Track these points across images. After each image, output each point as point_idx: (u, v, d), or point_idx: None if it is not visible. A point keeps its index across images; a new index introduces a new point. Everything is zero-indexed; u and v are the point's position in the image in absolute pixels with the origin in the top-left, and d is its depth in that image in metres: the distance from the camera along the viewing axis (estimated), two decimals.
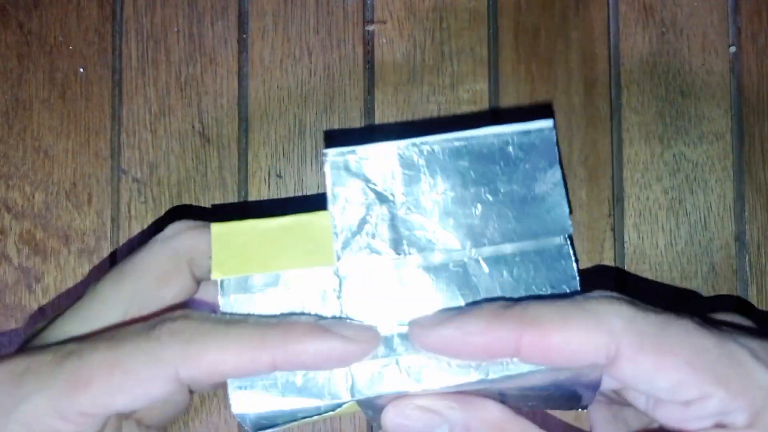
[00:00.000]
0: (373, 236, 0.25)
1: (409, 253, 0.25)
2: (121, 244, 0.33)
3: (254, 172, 0.33)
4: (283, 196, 0.33)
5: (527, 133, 0.25)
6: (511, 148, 0.25)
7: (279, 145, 0.33)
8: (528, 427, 0.23)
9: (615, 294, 0.23)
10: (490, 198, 0.25)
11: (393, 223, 0.25)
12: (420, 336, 0.23)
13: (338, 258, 0.25)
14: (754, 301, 0.34)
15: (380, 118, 0.34)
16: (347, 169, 0.25)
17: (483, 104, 0.34)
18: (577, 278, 0.25)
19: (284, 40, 0.34)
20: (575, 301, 0.22)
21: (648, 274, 0.34)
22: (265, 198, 0.33)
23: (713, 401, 0.21)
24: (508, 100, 0.34)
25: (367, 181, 0.25)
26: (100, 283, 0.26)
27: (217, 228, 0.25)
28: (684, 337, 0.21)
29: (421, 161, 0.25)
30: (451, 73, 0.34)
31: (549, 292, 0.24)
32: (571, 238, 0.25)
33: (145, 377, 0.22)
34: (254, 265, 0.25)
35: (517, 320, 0.22)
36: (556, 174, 0.25)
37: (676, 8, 0.34)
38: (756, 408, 0.21)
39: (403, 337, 0.24)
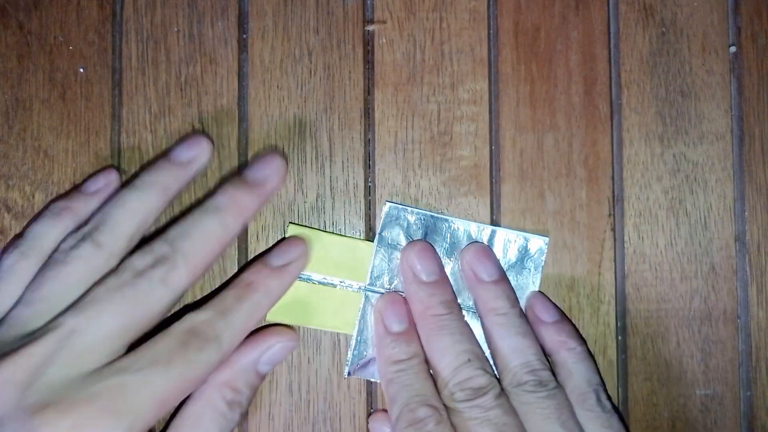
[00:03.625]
0: (397, 273, 0.33)
1: None
2: None
3: None
4: (283, 196, 0.33)
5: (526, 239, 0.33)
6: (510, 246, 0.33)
7: (279, 145, 0.33)
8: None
9: None
10: None
11: None
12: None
13: (369, 277, 0.33)
14: (754, 301, 0.34)
15: (380, 118, 0.34)
16: (397, 219, 0.33)
17: (483, 104, 0.34)
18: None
19: (284, 40, 0.34)
20: None
21: (648, 274, 0.34)
22: None
23: None
24: (508, 100, 0.34)
25: (407, 233, 0.33)
26: None
27: (293, 227, 0.33)
28: None
29: (447, 234, 0.33)
30: (451, 73, 0.34)
31: None
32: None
33: (205, 377, 0.27)
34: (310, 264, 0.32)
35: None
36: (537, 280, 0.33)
37: (676, 8, 0.34)
38: None
39: None
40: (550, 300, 0.33)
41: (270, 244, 0.33)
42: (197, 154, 0.31)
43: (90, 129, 0.33)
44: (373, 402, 0.33)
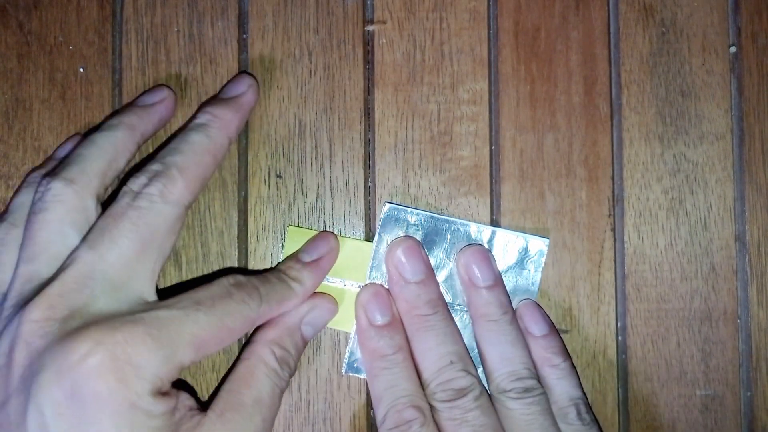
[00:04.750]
0: None
1: None
2: None
3: (254, 172, 0.33)
4: (283, 196, 0.33)
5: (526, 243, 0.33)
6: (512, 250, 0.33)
7: (279, 145, 0.34)
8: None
9: None
10: None
11: None
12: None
13: (368, 277, 0.33)
14: (754, 301, 0.34)
15: (380, 118, 0.34)
16: (396, 220, 0.33)
17: (483, 104, 0.34)
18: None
19: (284, 40, 0.34)
20: None
21: (648, 275, 0.34)
22: (265, 197, 0.33)
23: None
24: (508, 100, 0.34)
25: (406, 233, 0.33)
26: None
27: (292, 228, 0.33)
28: None
29: (447, 235, 0.32)
30: (451, 73, 0.34)
31: None
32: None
33: (241, 332, 0.28)
34: None
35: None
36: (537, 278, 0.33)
37: (676, 8, 0.34)
38: None
39: None
40: (541, 310, 0.32)
41: (270, 244, 0.33)
42: (160, 99, 0.32)
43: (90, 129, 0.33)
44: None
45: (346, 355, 0.32)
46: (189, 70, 0.34)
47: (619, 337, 0.34)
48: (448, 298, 0.32)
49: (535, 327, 0.32)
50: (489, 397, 0.31)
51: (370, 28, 0.34)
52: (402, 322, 0.32)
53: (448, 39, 0.34)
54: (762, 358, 0.34)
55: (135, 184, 0.27)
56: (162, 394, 0.25)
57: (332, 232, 0.33)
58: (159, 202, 0.27)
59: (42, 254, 0.27)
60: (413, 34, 0.34)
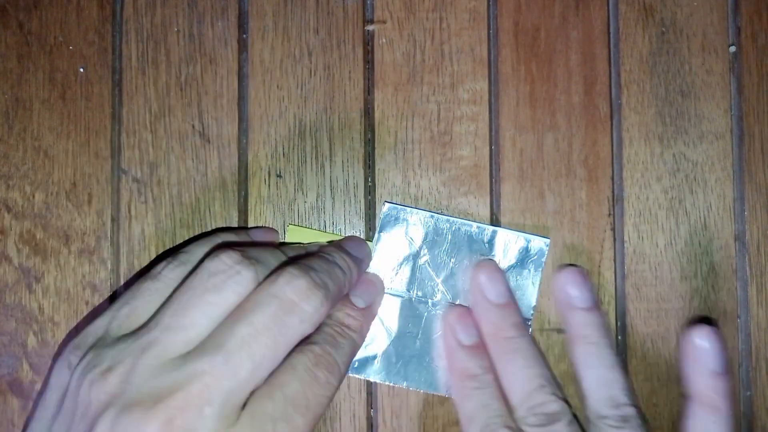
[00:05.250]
0: (396, 273, 0.33)
1: (416, 294, 0.33)
2: (121, 244, 0.33)
3: (254, 172, 0.33)
4: (283, 196, 0.33)
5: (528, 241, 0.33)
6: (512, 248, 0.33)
7: (279, 145, 0.34)
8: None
9: None
10: None
11: (413, 268, 0.33)
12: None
13: None
14: (753, 301, 0.34)
15: (380, 118, 0.34)
16: (396, 219, 0.33)
17: (483, 104, 0.34)
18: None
19: (284, 40, 0.34)
20: None
21: (648, 274, 0.34)
22: (265, 197, 0.33)
23: None
24: (508, 100, 0.34)
25: (406, 232, 0.33)
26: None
27: (292, 227, 0.33)
28: None
29: (448, 235, 0.33)
30: (451, 73, 0.34)
31: None
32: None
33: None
34: None
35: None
36: (537, 278, 0.33)
37: (676, 8, 0.35)
38: None
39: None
40: (724, 347, 0.30)
41: None
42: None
43: (90, 129, 0.33)
44: (373, 402, 0.33)
45: None
46: (189, 70, 0.34)
47: (619, 337, 0.34)
48: (448, 298, 0.32)
49: (718, 364, 0.30)
50: (579, 423, 0.30)
51: (370, 28, 0.34)
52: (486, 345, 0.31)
53: (448, 39, 0.34)
54: (762, 358, 0.34)
55: (291, 292, 0.26)
56: None
57: (378, 276, 0.33)
58: (304, 324, 0.26)
59: (180, 332, 0.25)
60: (413, 34, 0.34)
